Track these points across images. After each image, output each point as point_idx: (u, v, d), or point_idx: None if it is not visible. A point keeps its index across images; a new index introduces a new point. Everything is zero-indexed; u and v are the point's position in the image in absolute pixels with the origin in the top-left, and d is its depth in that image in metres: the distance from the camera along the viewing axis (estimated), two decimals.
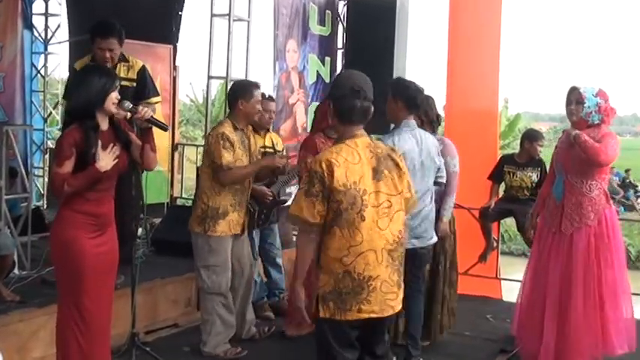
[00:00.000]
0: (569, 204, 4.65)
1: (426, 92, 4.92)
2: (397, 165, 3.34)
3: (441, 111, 5.45)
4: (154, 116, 3.95)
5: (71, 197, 3.66)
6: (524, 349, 4.92)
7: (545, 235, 4.84)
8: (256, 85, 5.08)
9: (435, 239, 4.74)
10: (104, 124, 3.74)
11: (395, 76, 7.72)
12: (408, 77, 8.15)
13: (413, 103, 4.59)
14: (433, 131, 5.10)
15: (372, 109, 3.34)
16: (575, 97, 4.64)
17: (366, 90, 3.32)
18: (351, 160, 3.21)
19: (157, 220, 7.22)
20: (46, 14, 8.62)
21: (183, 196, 9.57)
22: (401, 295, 3.33)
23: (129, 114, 3.86)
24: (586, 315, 4.58)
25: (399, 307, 3.32)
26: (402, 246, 3.32)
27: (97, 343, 3.80)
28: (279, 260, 6.04)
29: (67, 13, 8.51)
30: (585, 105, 4.57)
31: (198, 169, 6.87)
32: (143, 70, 5.30)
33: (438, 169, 4.75)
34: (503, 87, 7.73)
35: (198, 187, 5.09)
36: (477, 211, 6.89)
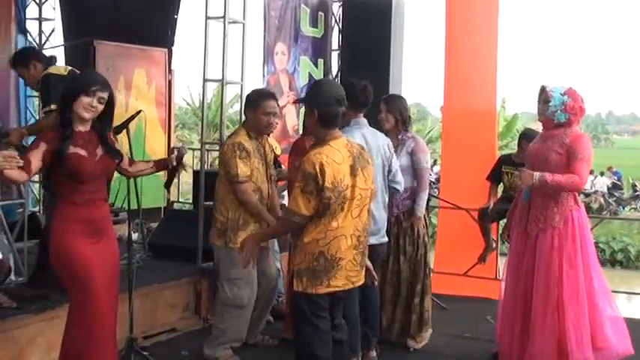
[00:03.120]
0: (535, 205, 4.64)
1: (423, 93, 4.99)
2: (368, 161, 3.81)
3: (438, 111, 5.48)
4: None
5: (62, 206, 3.67)
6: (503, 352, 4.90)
7: (514, 236, 4.86)
8: (266, 96, 4.98)
9: (385, 238, 4.84)
10: (81, 126, 3.72)
11: (391, 77, 7.70)
12: (405, 78, 8.21)
13: (357, 102, 4.62)
14: (406, 130, 5.30)
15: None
16: (543, 97, 4.65)
17: (344, 97, 3.78)
18: (338, 160, 3.64)
19: (154, 225, 7.17)
20: (40, 19, 8.54)
21: (180, 200, 9.53)
22: (362, 272, 3.83)
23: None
24: (544, 320, 4.53)
25: (359, 282, 3.83)
26: (367, 232, 3.85)
27: (105, 347, 3.77)
28: (278, 264, 6.00)
29: (61, 17, 8.48)
30: (550, 104, 4.57)
31: (195, 174, 6.85)
32: (41, 79, 5.06)
33: (389, 171, 4.78)
34: (500, 87, 7.67)
35: (215, 199, 4.96)
36: (475, 212, 6.86)
